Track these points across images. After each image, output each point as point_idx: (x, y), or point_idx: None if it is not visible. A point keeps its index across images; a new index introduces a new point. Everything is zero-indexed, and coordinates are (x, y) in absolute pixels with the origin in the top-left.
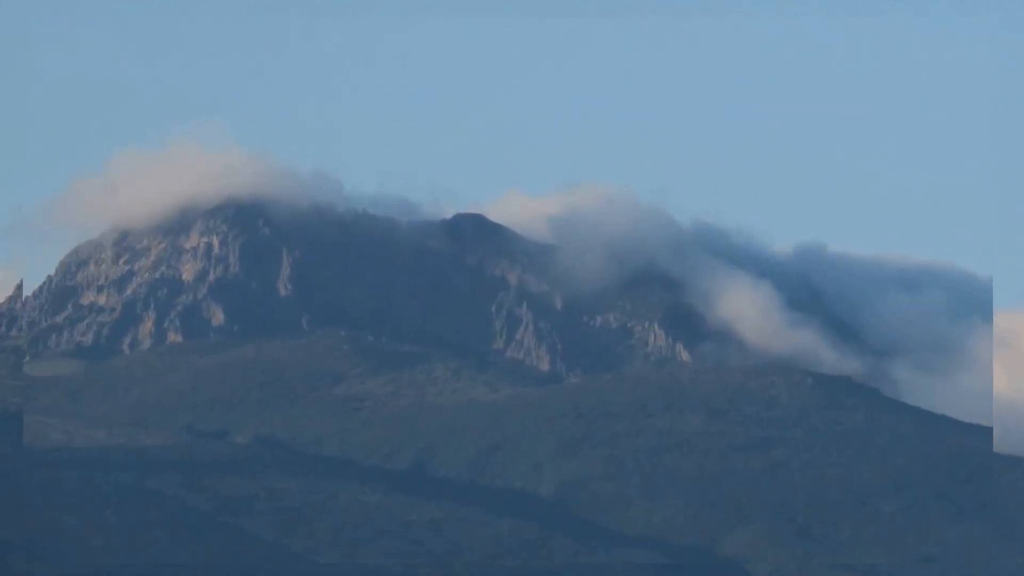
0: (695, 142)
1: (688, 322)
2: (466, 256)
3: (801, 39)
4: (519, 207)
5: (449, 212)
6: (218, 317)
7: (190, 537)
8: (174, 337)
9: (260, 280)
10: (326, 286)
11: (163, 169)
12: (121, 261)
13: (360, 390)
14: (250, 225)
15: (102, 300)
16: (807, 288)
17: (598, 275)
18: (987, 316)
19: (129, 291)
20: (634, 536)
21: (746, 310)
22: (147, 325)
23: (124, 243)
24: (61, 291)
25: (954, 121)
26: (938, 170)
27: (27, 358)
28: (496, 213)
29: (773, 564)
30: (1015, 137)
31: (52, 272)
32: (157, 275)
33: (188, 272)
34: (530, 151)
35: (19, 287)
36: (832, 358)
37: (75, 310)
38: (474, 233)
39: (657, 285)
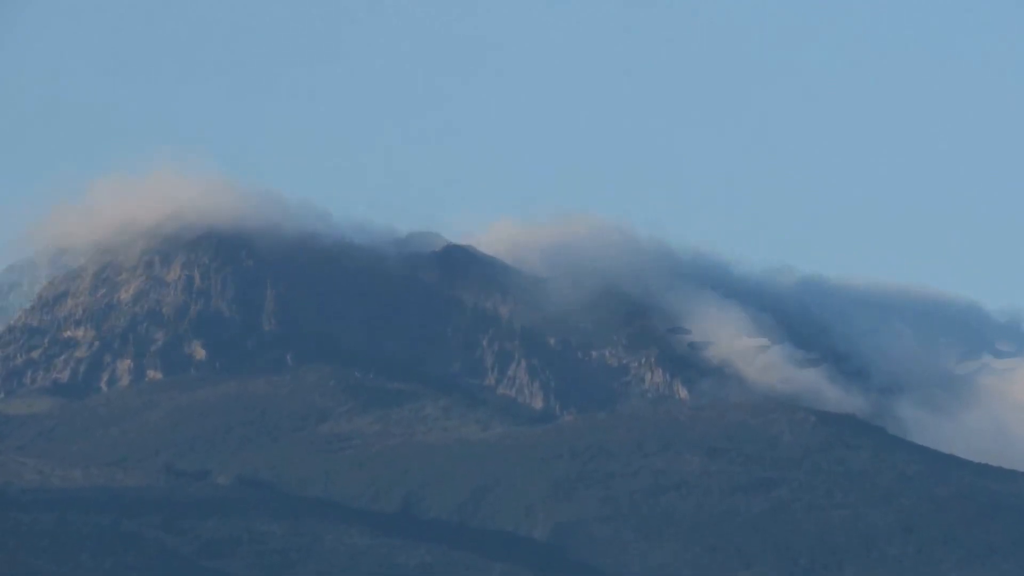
0: (692, 172)
1: (686, 358)
2: (457, 289)
3: (797, 64)
4: (511, 237)
5: (439, 244)
6: (200, 353)
7: None
8: (154, 374)
9: (243, 314)
10: (312, 320)
11: (144, 198)
12: (99, 294)
13: (347, 429)
14: (233, 257)
15: (79, 335)
16: (810, 323)
17: (593, 310)
18: (996, 351)
19: (107, 326)
20: None
21: (746, 346)
22: (126, 361)
23: (103, 275)
24: (38, 325)
25: (962, 150)
26: (945, 201)
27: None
28: (487, 244)
29: None
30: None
31: (29, 305)
32: (137, 309)
33: (169, 306)
34: (523, 179)
35: None
36: (836, 395)
37: (52, 345)
38: (465, 266)
39: (654, 320)
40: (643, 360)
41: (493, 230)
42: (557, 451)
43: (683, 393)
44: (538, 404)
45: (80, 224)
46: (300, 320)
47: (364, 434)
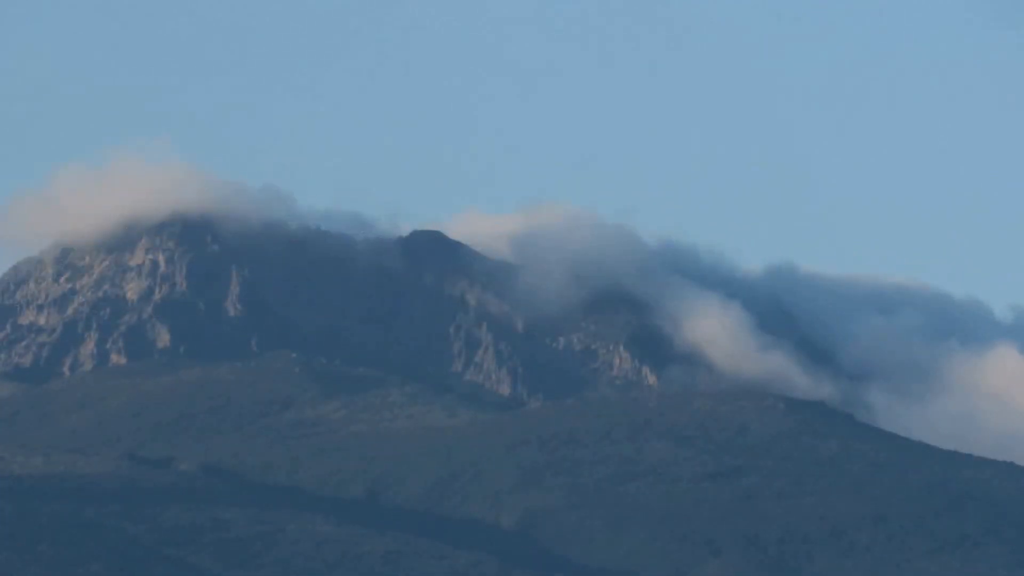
0: (662, 161)
1: (655, 344)
2: (423, 275)
3: (770, 56)
4: (479, 225)
5: (406, 229)
6: (164, 338)
7: (131, 570)
8: (117, 359)
9: (208, 299)
10: (276, 305)
11: (107, 184)
12: (62, 279)
13: (311, 415)
14: (198, 242)
15: (42, 320)
16: (778, 310)
17: (561, 295)
18: (964, 339)
19: (70, 310)
20: (598, 569)
21: (715, 332)
22: (89, 346)
23: (66, 260)
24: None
25: (928, 140)
26: (912, 189)
27: None
28: (455, 231)
29: None
30: (990, 156)
31: None
32: (100, 294)
33: (132, 291)
34: (490, 168)
35: None
36: (805, 382)
37: (14, 330)
38: (432, 251)
39: (622, 306)
40: (611, 346)
41: (460, 218)
42: (524, 438)
43: (652, 379)
44: (505, 390)
45: (42, 212)
46: (265, 306)
47: (329, 421)
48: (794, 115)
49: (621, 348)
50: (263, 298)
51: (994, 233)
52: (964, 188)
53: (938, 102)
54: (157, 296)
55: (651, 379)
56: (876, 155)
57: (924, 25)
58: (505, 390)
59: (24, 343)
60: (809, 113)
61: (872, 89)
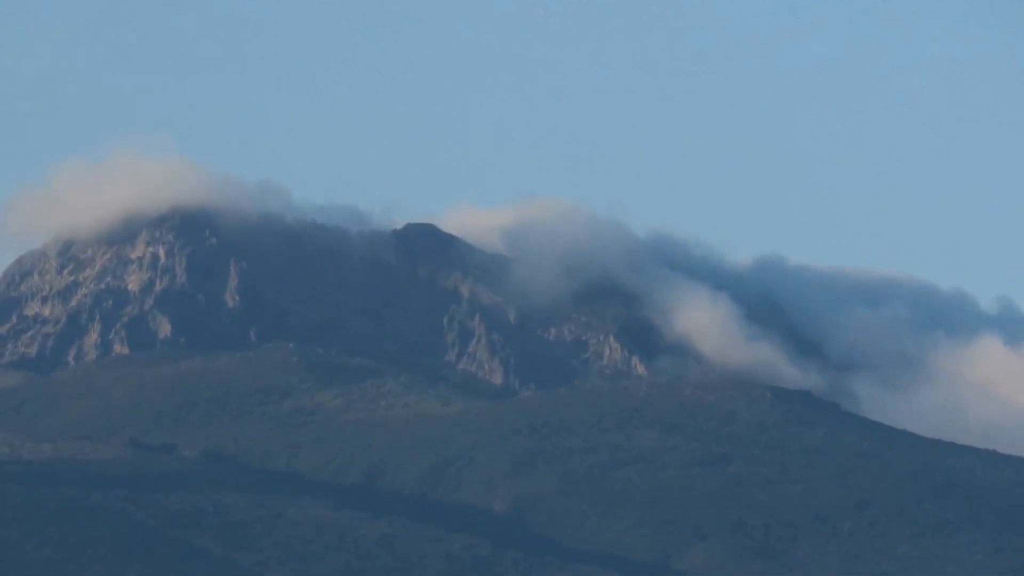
0: (653, 155)
1: (644, 335)
2: (418, 267)
3: (758, 50)
4: (472, 219)
5: (400, 222)
6: (165, 329)
7: (136, 553)
8: (120, 349)
9: (207, 291)
10: (274, 297)
11: (106, 178)
12: (65, 272)
13: (309, 404)
14: (196, 235)
15: (46, 311)
16: (766, 301)
17: (552, 287)
18: (950, 330)
19: (74, 302)
20: (588, 552)
21: (704, 323)
22: (92, 337)
23: (68, 253)
24: (5, 302)
25: (916, 133)
26: (900, 182)
27: None
28: (448, 224)
29: None
30: (977, 148)
31: None
32: (102, 286)
33: (134, 283)
34: (482, 162)
35: None
36: (792, 372)
37: (19, 321)
38: (425, 244)
39: (613, 297)
40: (601, 337)
41: (453, 211)
42: (516, 426)
43: (641, 369)
44: (498, 380)
45: (43, 206)
46: (263, 297)
47: (326, 409)
48: (784, 109)
49: (611, 339)
50: (261, 290)
51: (980, 226)
52: (951, 182)
53: (924, 96)
54: (158, 288)
55: (641, 369)
56: (864, 149)
57: (912, 21)
58: (498, 380)
59: (30, 334)
60: (799, 107)
61: (860, 83)
